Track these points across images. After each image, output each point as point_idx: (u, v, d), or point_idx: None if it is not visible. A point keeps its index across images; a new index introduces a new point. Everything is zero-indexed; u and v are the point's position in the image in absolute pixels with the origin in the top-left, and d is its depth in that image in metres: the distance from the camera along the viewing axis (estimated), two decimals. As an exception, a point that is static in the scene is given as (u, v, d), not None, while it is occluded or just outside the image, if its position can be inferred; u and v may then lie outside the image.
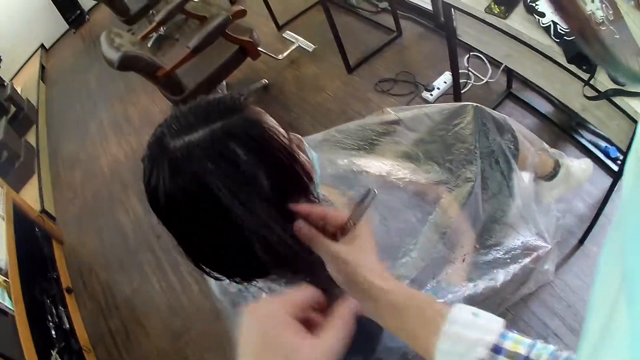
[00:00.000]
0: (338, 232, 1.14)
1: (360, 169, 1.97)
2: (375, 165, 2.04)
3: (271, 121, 1.28)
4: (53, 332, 4.00)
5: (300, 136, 1.47)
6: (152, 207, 1.23)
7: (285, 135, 1.29)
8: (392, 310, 1.06)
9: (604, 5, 1.79)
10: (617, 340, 0.51)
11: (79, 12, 9.54)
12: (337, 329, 0.92)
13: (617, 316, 0.52)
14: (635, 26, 1.74)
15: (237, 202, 1.15)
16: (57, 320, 4.18)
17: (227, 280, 1.39)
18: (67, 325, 4.27)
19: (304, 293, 1.01)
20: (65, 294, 4.69)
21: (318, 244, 1.13)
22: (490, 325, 0.96)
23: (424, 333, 1.01)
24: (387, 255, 1.71)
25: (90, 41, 8.57)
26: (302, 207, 1.19)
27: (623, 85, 2.14)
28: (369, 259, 1.10)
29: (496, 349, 0.93)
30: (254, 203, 1.17)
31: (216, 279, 1.37)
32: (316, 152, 1.56)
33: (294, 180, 1.28)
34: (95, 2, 7.52)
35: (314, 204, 1.34)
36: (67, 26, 9.50)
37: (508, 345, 0.93)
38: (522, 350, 0.92)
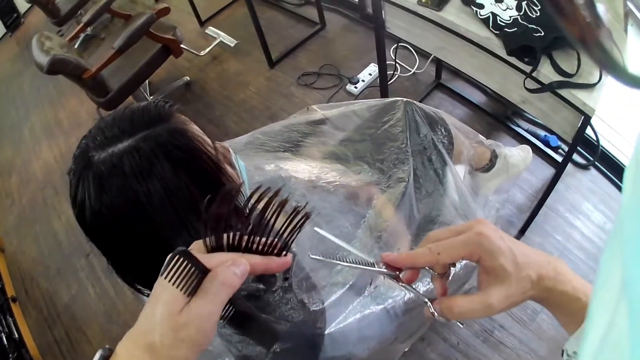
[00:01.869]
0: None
1: (289, 174, 1.90)
2: (304, 168, 1.97)
3: (197, 130, 1.26)
4: (5, 343, 3.96)
5: (226, 146, 1.44)
6: (79, 222, 1.19)
7: (211, 145, 1.26)
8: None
9: None
10: (617, 350, 0.48)
11: (15, 15, 9.31)
12: (207, 292, 0.84)
13: (617, 324, 0.49)
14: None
15: (164, 216, 1.11)
16: (7, 330, 4.12)
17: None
18: (17, 335, 4.19)
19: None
20: (11, 303, 4.58)
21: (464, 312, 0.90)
22: None
23: (569, 321, 0.93)
24: (323, 263, 1.55)
25: (25, 45, 8.44)
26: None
27: (570, 77, 2.09)
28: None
29: None
30: (182, 216, 1.13)
31: (145, 294, 1.31)
32: (241, 155, 1.53)
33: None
34: (30, 4, 7.36)
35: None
36: (4, 30, 9.26)
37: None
38: None
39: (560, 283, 0.90)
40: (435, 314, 0.91)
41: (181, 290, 0.82)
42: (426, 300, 0.93)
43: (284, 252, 0.98)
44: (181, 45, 4.64)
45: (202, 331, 0.82)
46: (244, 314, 1.03)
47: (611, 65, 0.48)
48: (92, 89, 4.37)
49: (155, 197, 1.11)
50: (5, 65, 8.19)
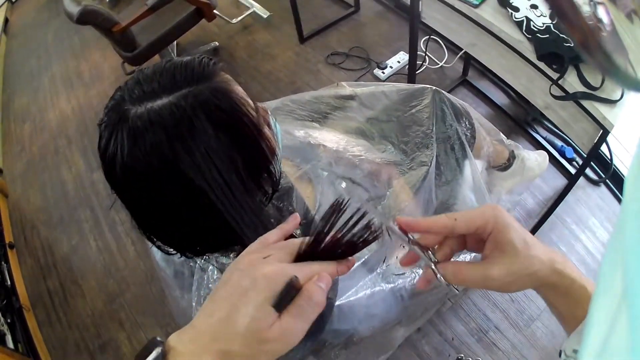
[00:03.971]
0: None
1: (317, 142, 1.92)
2: (331, 138, 1.99)
3: (240, 91, 1.22)
4: (-5, 289, 3.88)
5: (266, 107, 1.40)
6: (106, 176, 1.17)
7: (253, 107, 1.24)
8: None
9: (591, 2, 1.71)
10: (617, 357, 0.49)
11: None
12: (301, 310, 0.84)
13: (618, 329, 0.49)
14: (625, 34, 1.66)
15: (200, 176, 1.09)
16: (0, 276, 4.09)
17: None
18: (9, 282, 4.19)
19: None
20: (8, 249, 4.58)
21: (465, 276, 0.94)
22: None
23: (571, 316, 0.96)
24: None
25: None
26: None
27: (594, 90, 2.13)
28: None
29: None
30: (218, 177, 1.12)
31: (165, 252, 1.31)
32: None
33: (258, 155, 1.23)
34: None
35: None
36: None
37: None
38: None
39: (570, 269, 0.93)
40: (439, 275, 0.94)
41: (274, 306, 0.80)
42: (433, 261, 0.96)
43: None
44: (214, 11, 4.64)
45: (288, 346, 0.82)
46: None
47: (613, 70, 0.51)
48: (120, 43, 4.40)
49: (193, 156, 1.09)
50: (30, 13, 8.17)
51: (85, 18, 3.85)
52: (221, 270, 1.48)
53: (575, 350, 0.92)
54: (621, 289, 0.49)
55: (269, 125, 1.35)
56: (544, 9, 2.35)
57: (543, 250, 0.93)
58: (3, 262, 4.31)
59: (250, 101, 1.24)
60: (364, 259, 1.68)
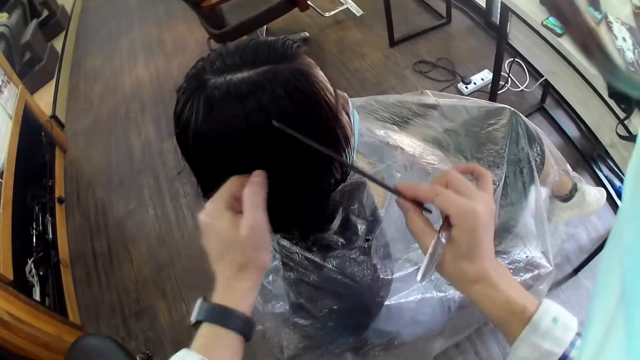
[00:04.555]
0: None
1: (396, 144, 1.94)
2: (409, 143, 2.00)
3: (321, 76, 1.23)
4: (34, 241, 3.96)
5: (346, 95, 1.43)
6: (178, 141, 1.21)
7: (332, 93, 1.25)
8: (484, 298, 1.12)
9: (636, 50, 1.77)
10: (614, 356, 0.52)
11: None
12: (249, 205, 1.09)
13: (614, 332, 0.52)
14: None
15: (271, 151, 1.13)
16: (40, 228, 4.13)
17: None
18: (50, 236, 4.24)
19: (230, 186, 1.14)
20: (57, 203, 4.67)
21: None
22: (565, 334, 1.03)
23: (508, 323, 1.08)
24: (404, 237, 1.68)
25: None
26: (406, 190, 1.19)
27: (632, 101, 2.15)
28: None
29: (562, 358, 1.01)
30: (287, 154, 1.15)
31: None
32: None
33: (332, 140, 1.25)
34: None
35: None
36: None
37: (574, 354, 1.01)
38: None
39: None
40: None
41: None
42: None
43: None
44: (308, 1, 4.70)
45: (261, 232, 1.11)
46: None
47: (613, 71, 0.55)
48: (208, 18, 4.47)
49: (266, 131, 1.09)
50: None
51: (173, -11, 3.87)
52: (280, 253, 1.56)
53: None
54: (619, 290, 0.53)
55: (347, 114, 1.38)
56: (632, 43, 2.39)
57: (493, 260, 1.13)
58: (48, 216, 4.36)
59: (330, 87, 1.25)
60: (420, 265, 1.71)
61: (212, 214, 1.12)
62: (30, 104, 4.89)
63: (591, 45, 0.52)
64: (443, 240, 1.08)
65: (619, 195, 3.54)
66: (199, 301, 1.09)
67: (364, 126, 1.95)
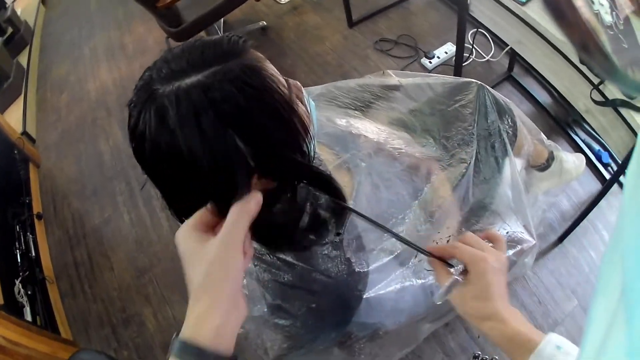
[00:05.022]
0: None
1: (359, 132, 1.91)
2: (373, 129, 1.98)
3: (271, 68, 1.21)
4: (19, 260, 3.95)
5: (299, 84, 1.39)
6: (136, 156, 1.18)
7: (285, 84, 1.22)
8: (495, 332, 1.26)
9: (614, 12, 1.74)
10: (614, 354, 0.51)
11: None
12: (229, 223, 1.05)
13: (615, 330, 0.52)
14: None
15: (230, 153, 1.09)
16: (23, 247, 4.12)
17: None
18: (33, 253, 4.22)
19: (200, 213, 1.13)
20: (35, 219, 4.63)
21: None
22: (566, 359, 1.10)
23: (515, 354, 1.19)
24: (375, 227, 1.62)
25: None
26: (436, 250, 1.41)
27: (633, 98, 2.12)
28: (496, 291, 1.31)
29: None
30: (244, 156, 1.11)
31: None
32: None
33: (290, 133, 1.22)
34: None
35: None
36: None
37: None
38: None
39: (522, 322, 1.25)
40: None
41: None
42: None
43: None
44: None
45: (232, 247, 1.05)
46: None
47: (611, 71, 0.53)
48: (165, 18, 4.43)
49: (222, 133, 1.07)
50: (72, -17, 8.19)
51: (127, -9, 3.84)
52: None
53: None
54: (619, 290, 0.52)
55: (302, 102, 1.35)
56: (609, 6, 2.36)
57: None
58: (29, 233, 4.33)
59: (281, 78, 1.23)
60: (396, 253, 1.70)
61: (179, 237, 1.12)
62: (1, 123, 4.88)
63: (590, 44, 0.51)
64: (459, 279, 1.31)
65: (599, 159, 3.56)
66: (173, 337, 1.03)
67: (324, 116, 1.94)
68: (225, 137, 1.08)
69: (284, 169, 1.21)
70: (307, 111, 1.36)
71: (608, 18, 1.73)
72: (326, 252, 1.53)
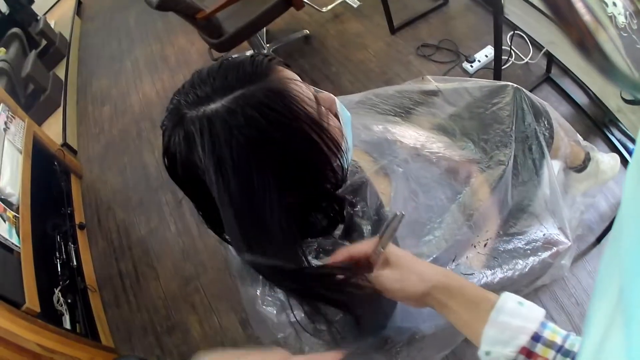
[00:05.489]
0: (372, 260, 1.25)
1: (395, 137, 1.93)
2: (411, 135, 1.99)
3: (297, 88, 1.22)
4: (59, 270, 3.98)
5: (332, 97, 1.42)
6: (170, 175, 1.25)
7: (313, 100, 1.24)
8: (444, 299, 1.22)
9: (627, 12, 1.74)
10: (613, 357, 0.51)
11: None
12: None
13: (613, 333, 0.51)
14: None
15: (252, 180, 1.14)
16: (64, 257, 4.16)
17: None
18: (75, 263, 4.26)
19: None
20: (78, 230, 4.69)
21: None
22: (532, 314, 1.10)
23: (473, 319, 1.15)
24: (413, 231, 1.69)
25: None
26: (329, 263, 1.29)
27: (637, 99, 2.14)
28: (409, 273, 1.25)
29: (536, 337, 1.06)
30: (269, 181, 1.15)
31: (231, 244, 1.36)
32: (351, 113, 1.52)
33: (320, 153, 1.24)
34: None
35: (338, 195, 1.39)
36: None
37: (547, 334, 1.07)
38: (559, 340, 1.06)
39: (457, 277, 1.24)
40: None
41: None
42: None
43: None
44: None
45: None
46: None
47: (611, 71, 0.54)
48: (205, 29, 4.45)
49: (244, 159, 1.13)
50: (108, -2, 8.23)
51: (166, 5, 3.89)
52: None
53: (487, 352, 1.10)
54: (618, 291, 0.52)
55: (336, 115, 1.38)
56: (620, 8, 2.33)
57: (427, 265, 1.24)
58: (70, 244, 4.37)
59: (308, 95, 1.25)
60: (433, 257, 1.69)
61: None
62: (40, 135, 4.91)
63: (589, 43, 0.51)
64: None
65: (633, 157, 3.50)
66: None
67: (360, 123, 1.94)
68: (248, 162, 1.12)
69: (307, 191, 1.27)
70: (340, 124, 1.37)
71: (622, 19, 1.73)
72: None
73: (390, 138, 1.92)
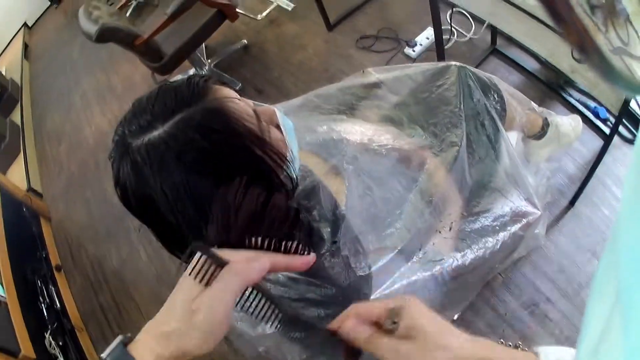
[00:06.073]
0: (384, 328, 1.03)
1: (340, 136, 1.90)
2: (357, 130, 1.97)
3: (234, 106, 1.23)
4: (45, 314, 3.96)
5: (272, 107, 1.42)
6: (123, 204, 1.25)
7: (253, 116, 1.24)
8: None
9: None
10: (610, 357, 0.51)
11: (59, -13, 9.31)
12: (223, 281, 0.94)
13: (611, 333, 0.51)
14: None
15: (200, 203, 1.14)
16: (48, 300, 4.14)
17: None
18: (58, 305, 4.23)
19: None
20: (55, 272, 4.65)
21: (377, 345, 1.00)
22: None
23: None
24: (373, 227, 1.66)
25: (72, 14, 8.34)
26: (335, 324, 1.11)
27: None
28: (436, 349, 0.98)
29: None
30: (222, 202, 1.08)
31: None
32: (295, 118, 1.51)
33: (263, 166, 1.24)
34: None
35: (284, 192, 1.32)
36: (48, 2, 9.30)
37: None
38: None
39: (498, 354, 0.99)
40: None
41: (198, 280, 0.92)
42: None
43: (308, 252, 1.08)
44: (237, 10, 4.64)
45: (211, 317, 0.90)
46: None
47: (610, 73, 0.50)
48: (146, 54, 4.43)
49: (191, 184, 1.14)
50: (51, 34, 8.36)
51: (105, 36, 3.89)
52: None
53: None
54: (616, 291, 0.51)
55: (278, 127, 1.38)
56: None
57: (463, 338, 0.97)
58: (51, 286, 4.35)
59: (247, 112, 1.25)
60: (398, 249, 1.68)
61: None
62: (6, 184, 4.93)
63: (587, 45, 0.48)
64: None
65: (596, 116, 3.53)
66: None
67: (304, 126, 1.92)
68: (198, 182, 1.13)
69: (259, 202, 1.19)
70: (283, 135, 1.37)
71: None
72: (325, 261, 1.50)
73: (336, 137, 1.90)
